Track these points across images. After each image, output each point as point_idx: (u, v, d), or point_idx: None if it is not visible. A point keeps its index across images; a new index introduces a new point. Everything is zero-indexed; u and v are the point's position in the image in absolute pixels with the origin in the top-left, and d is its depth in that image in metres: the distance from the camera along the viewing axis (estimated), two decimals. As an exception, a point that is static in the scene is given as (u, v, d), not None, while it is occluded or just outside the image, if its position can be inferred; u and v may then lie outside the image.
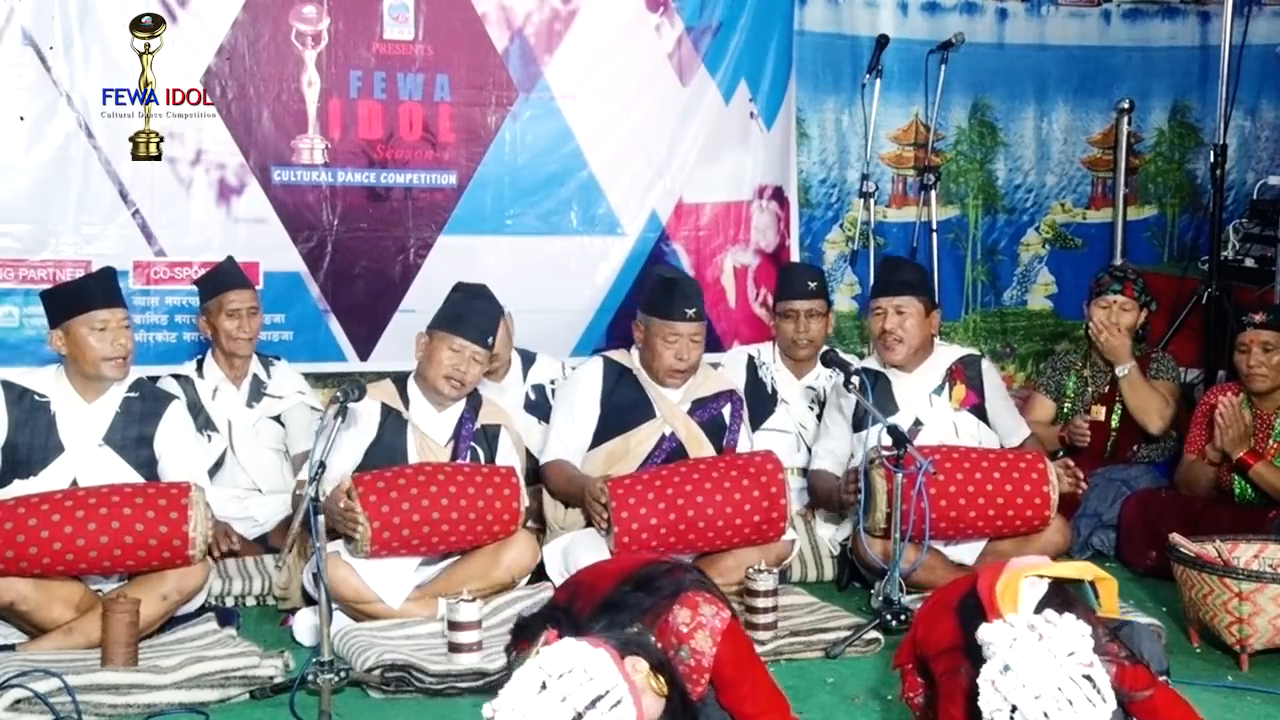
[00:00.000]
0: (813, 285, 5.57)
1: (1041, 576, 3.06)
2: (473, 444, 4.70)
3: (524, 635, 3.26)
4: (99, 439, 4.42)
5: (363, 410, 4.48)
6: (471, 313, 4.65)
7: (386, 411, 4.61)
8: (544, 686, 2.65)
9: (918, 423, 5.05)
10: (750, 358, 5.64)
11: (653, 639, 3.01)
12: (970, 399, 5.11)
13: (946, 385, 5.12)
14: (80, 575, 4.21)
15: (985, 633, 2.84)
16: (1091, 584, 3.20)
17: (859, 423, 5.01)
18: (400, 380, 4.71)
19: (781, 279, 5.78)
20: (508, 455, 4.76)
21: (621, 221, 6.45)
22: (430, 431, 4.66)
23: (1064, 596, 3.03)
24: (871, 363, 5.23)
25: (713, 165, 6.54)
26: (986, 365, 5.26)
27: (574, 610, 3.20)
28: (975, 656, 2.91)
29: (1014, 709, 2.73)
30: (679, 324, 4.84)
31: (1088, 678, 2.73)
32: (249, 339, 5.28)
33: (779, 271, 6.13)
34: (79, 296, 4.39)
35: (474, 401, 4.76)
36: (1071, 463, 4.89)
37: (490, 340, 4.68)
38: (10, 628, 4.21)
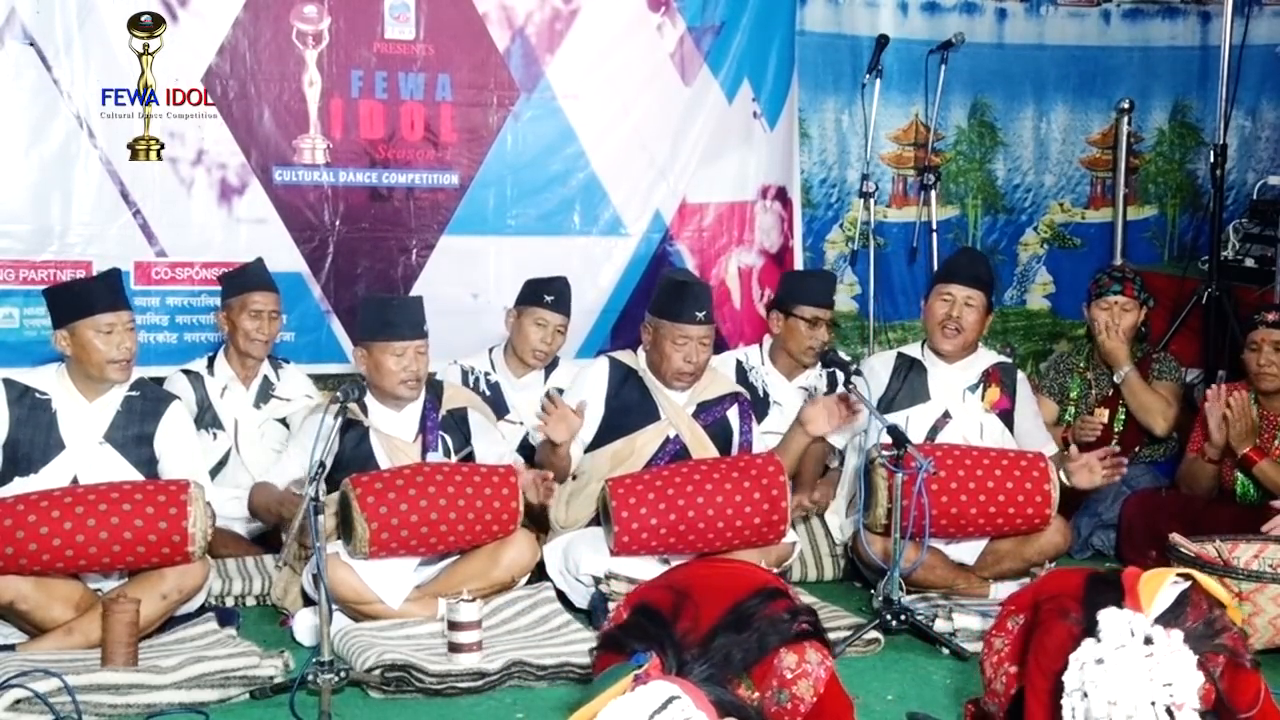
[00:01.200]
0: (833, 295, 5.62)
1: (1186, 577, 3.07)
2: (441, 433, 4.70)
3: (619, 649, 3.10)
4: (100, 436, 4.43)
5: None
6: (396, 312, 4.66)
7: (346, 425, 4.52)
8: None
9: (946, 415, 5.06)
10: (739, 362, 5.61)
11: (754, 698, 2.98)
12: (1002, 403, 5.11)
13: (982, 385, 5.12)
14: (80, 572, 4.22)
15: (1107, 617, 2.83)
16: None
17: (885, 410, 4.98)
18: None
19: (801, 282, 5.69)
20: (483, 435, 4.76)
21: (625, 222, 6.45)
22: (394, 432, 4.67)
23: (1196, 597, 3.02)
24: (911, 350, 5.23)
25: (716, 165, 6.54)
26: (1021, 376, 5.25)
27: (677, 633, 3.04)
28: (1089, 612, 2.93)
29: (1084, 695, 2.73)
30: (689, 326, 4.84)
31: (1170, 713, 2.72)
32: (265, 341, 5.31)
33: (796, 275, 6.04)
34: (84, 299, 4.40)
35: (435, 390, 4.76)
36: (1117, 450, 4.94)
37: (425, 328, 4.67)
38: (10, 627, 4.22)
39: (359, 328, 4.74)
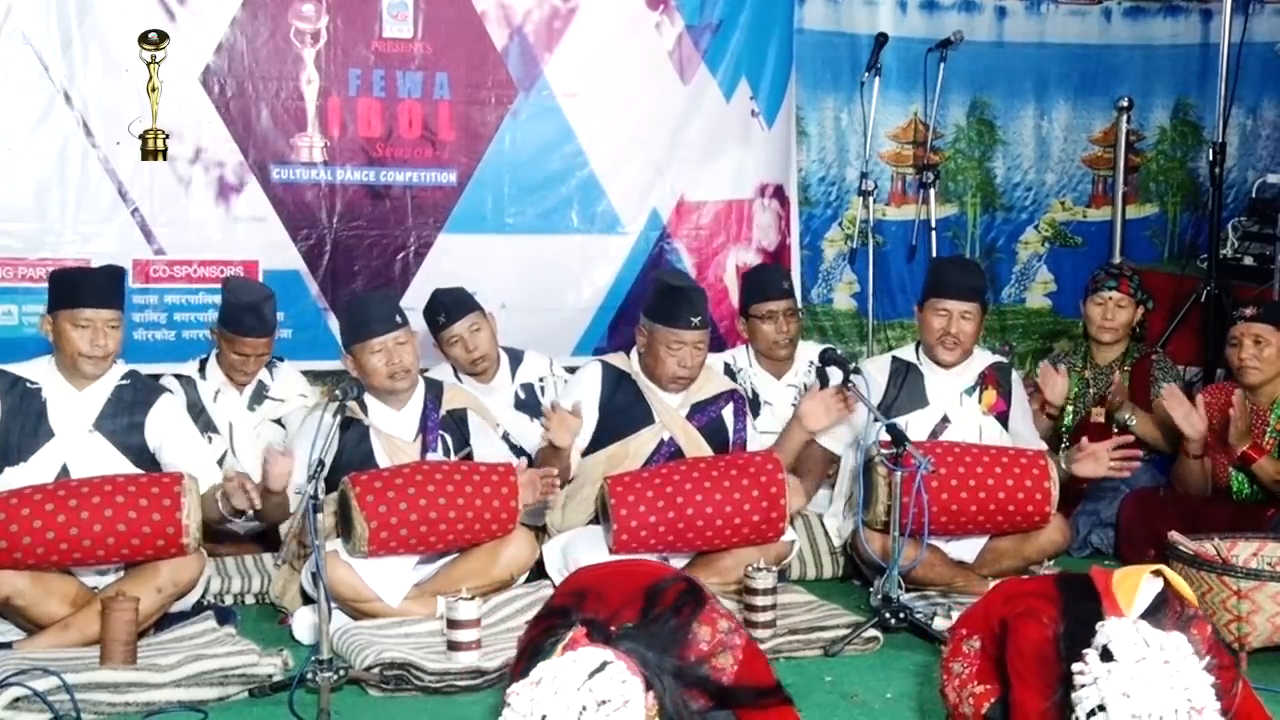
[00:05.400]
0: (786, 285, 5.55)
1: (1158, 574, 3.02)
2: (441, 433, 4.70)
3: (538, 654, 2.80)
4: (89, 425, 4.42)
5: None
6: (365, 311, 4.64)
7: (346, 423, 4.49)
8: (583, 709, 2.48)
9: (945, 420, 5.04)
10: (726, 364, 5.55)
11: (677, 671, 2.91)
12: (999, 405, 5.09)
13: (978, 388, 5.10)
14: (75, 566, 4.21)
15: (1114, 629, 2.75)
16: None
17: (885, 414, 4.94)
18: None
19: (753, 282, 5.65)
20: (483, 436, 4.76)
21: (622, 220, 6.45)
22: (395, 432, 4.65)
23: (1170, 595, 2.98)
24: (905, 353, 5.20)
25: (714, 163, 6.55)
26: (1016, 376, 5.24)
27: (589, 614, 2.85)
28: (1069, 617, 2.90)
29: (1101, 709, 2.68)
30: (684, 332, 4.78)
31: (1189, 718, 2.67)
32: (251, 373, 5.25)
33: (749, 275, 5.93)
34: (73, 291, 4.39)
35: (434, 390, 4.75)
36: (1132, 441, 4.91)
37: (399, 318, 4.64)
38: (7, 624, 4.22)
39: (341, 335, 4.71)
